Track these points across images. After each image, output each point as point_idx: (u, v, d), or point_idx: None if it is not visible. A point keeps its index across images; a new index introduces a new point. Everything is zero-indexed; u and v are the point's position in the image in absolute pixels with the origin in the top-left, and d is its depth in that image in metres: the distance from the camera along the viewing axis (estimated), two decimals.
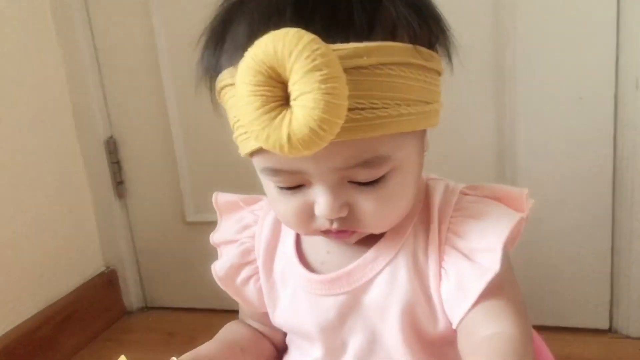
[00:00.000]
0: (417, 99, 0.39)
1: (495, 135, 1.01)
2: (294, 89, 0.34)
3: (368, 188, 0.41)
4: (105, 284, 1.26)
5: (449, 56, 0.44)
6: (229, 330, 0.56)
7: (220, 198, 0.56)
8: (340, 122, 0.34)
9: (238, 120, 0.40)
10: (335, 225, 0.43)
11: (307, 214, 0.43)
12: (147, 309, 1.33)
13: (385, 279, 0.46)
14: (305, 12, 0.37)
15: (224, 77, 0.40)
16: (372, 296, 0.47)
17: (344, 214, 0.41)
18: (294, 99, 0.34)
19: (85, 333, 1.17)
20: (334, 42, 0.36)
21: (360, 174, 0.40)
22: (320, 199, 0.41)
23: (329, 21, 0.37)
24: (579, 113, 0.95)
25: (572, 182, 0.99)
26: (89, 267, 1.25)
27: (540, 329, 0.52)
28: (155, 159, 1.23)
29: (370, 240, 0.46)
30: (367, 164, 0.39)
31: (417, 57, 0.39)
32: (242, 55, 0.35)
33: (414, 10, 0.40)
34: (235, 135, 0.42)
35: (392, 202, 0.42)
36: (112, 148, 1.25)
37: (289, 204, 0.43)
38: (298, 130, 0.34)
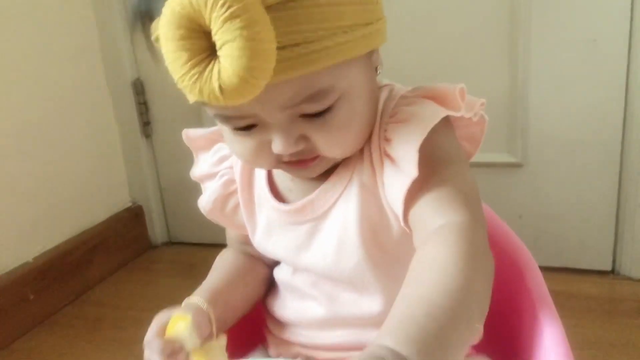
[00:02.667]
0: (353, 24, 0.38)
1: (507, 76, 1.04)
2: (216, 38, 0.34)
3: (319, 119, 0.41)
4: (132, 217, 1.34)
5: None
6: (226, 262, 0.57)
7: (192, 134, 0.55)
8: (271, 65, 0.34)
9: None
10: (295, 157, 0.43)
11: (264, 151, 0.43)
12: (170, 244, 1.41)
13: (344, 201, 0.47)
14: None
15: (156, 27, 0.38)
16: (334, 219, 0.48)
17: (300, 147, 0.42)
18: (219, 49, 0.34)
19: (113, 261, 1.26)
20: None
21: (308, 108, 0.40)
22: (275, 137, 0.41)
23: None
24: (592, 56, 0.97)
25: (583, 124, 1.01)
26: (117, 201, 1.32)
27: (544, 269, 0.53)
28: (180, 101, 1.28)
29: (330, 168, 0.47)
30: (311, 98, 0.39)
31: None
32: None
33: None
34: (179, 85, 0.39)
35: (345, 129, 0.42)
36: (139, 89, 1.30)
37: (245, 144, 0.43)
38: (228, 80, 0.34)
